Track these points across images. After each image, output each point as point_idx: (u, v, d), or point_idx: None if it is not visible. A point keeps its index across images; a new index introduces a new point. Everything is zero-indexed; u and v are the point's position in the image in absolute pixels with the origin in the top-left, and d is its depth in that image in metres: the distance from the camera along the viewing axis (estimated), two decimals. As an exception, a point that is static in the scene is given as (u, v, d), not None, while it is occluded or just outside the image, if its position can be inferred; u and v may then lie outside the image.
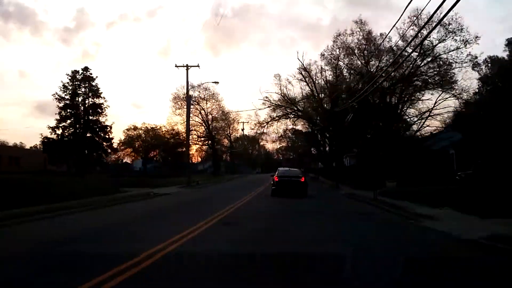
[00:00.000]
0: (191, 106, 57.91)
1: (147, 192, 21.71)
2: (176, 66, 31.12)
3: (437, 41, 28.44)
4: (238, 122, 67.11)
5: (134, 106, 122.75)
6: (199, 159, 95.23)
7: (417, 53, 28.58)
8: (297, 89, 53.26)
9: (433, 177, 22.26)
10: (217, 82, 31.22)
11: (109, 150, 44.21)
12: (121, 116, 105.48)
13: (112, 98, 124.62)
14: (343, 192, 24.30)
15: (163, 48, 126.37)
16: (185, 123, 56.10)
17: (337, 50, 34.35)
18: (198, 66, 31.39)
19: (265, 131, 46.03)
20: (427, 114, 31.46)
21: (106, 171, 48.75)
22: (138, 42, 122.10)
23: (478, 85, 30.99)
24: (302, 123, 50.33)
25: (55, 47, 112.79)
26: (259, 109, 42.87)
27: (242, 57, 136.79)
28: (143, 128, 66.44)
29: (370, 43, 31.61)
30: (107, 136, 43.33)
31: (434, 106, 30.82)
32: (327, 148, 54.70)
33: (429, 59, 29.85)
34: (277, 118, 42.03)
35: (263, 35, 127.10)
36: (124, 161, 78.06)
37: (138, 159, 73.43)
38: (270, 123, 43.97)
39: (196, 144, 62.52)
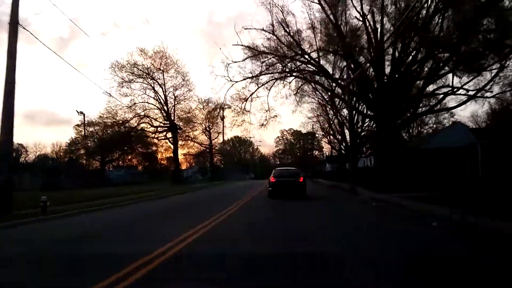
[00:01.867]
0: (140, 80, 38.65)
1: None
2: None
3: None
4: (218, 109, 47.65)
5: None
6: (188, 165, 77.35)
7: None
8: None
9: None
10: None
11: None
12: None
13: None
14: None
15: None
16: (132, 106, 37.77)
17: None
18: None
19: (247, 107, 26.57)
20: None
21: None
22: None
23: None
24: (312, 99, 31.07)
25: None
26: (234, 62, 23.32)
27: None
28: (101, 122, 45.60)
29: None
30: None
31: None
32: (347, 139, 34.81)
33: None
34: (265, 75, 22.40)
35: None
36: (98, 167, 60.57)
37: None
38: (257, 88, 24.58)
39: (153, 137, 42.55)
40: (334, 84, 24.88)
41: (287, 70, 22.91)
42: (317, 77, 24.91)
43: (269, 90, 25.52)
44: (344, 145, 34.93)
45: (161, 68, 37.36)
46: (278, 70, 23.02)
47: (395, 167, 20.31)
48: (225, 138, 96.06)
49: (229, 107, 27.19)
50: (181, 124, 40.97)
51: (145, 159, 67.02)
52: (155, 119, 39.19)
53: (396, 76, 21.14)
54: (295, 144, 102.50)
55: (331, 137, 40.77)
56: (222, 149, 62.06)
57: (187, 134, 49.04)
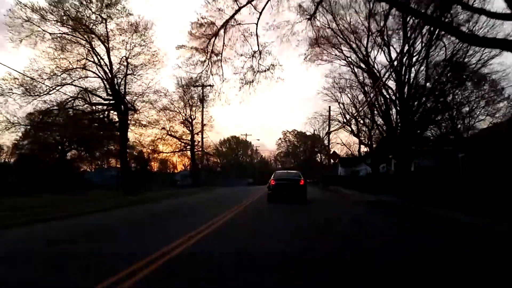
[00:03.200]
0: (71, 33, 24.01)
1: None
2: None
3: None
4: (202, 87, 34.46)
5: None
6: (183, 167, 65.82)
7: None
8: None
9: None
10: None
11: None
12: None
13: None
14: None
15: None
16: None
17: None
18: None
19: (219, 47, 13.86)
20: None
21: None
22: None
23: None
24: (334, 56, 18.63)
25: None
26: None
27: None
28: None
29: None
30: None
31: None
32: (394, 117, 20.52)
33: None
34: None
35: None
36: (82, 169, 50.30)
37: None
38: (239, 8, 11.69)
39: (89, 120, 28.70)
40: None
41: None
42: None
43: (261, 12, 12.82)
44: (385, 130, 21.29)
45: (102, 16, 24.19)
46: None
47: None
48: (222, 138, 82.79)
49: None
50: (137, 103, 27.63)
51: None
52: (92, 92, 25.68)
53: None
54: (298, 146, 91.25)
55: (361, 121, 27.17)
56: (205, 148, 48.92)
57: (163, 126, 36.16)
